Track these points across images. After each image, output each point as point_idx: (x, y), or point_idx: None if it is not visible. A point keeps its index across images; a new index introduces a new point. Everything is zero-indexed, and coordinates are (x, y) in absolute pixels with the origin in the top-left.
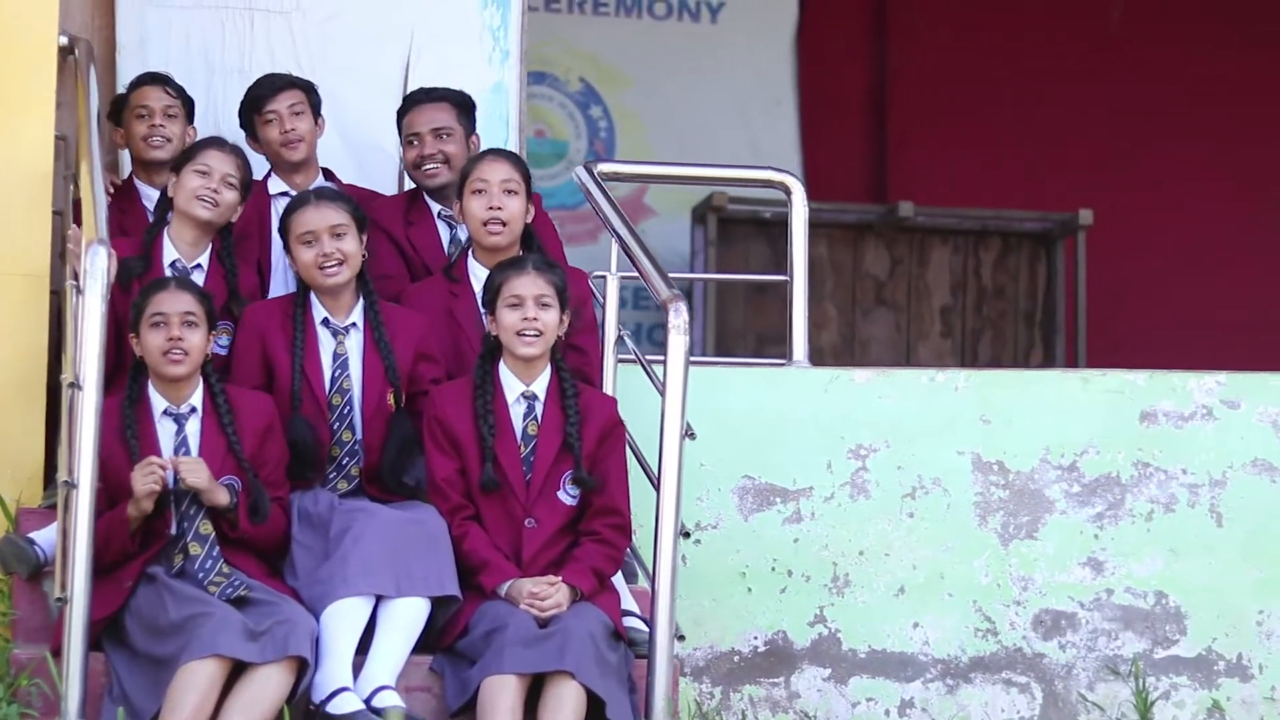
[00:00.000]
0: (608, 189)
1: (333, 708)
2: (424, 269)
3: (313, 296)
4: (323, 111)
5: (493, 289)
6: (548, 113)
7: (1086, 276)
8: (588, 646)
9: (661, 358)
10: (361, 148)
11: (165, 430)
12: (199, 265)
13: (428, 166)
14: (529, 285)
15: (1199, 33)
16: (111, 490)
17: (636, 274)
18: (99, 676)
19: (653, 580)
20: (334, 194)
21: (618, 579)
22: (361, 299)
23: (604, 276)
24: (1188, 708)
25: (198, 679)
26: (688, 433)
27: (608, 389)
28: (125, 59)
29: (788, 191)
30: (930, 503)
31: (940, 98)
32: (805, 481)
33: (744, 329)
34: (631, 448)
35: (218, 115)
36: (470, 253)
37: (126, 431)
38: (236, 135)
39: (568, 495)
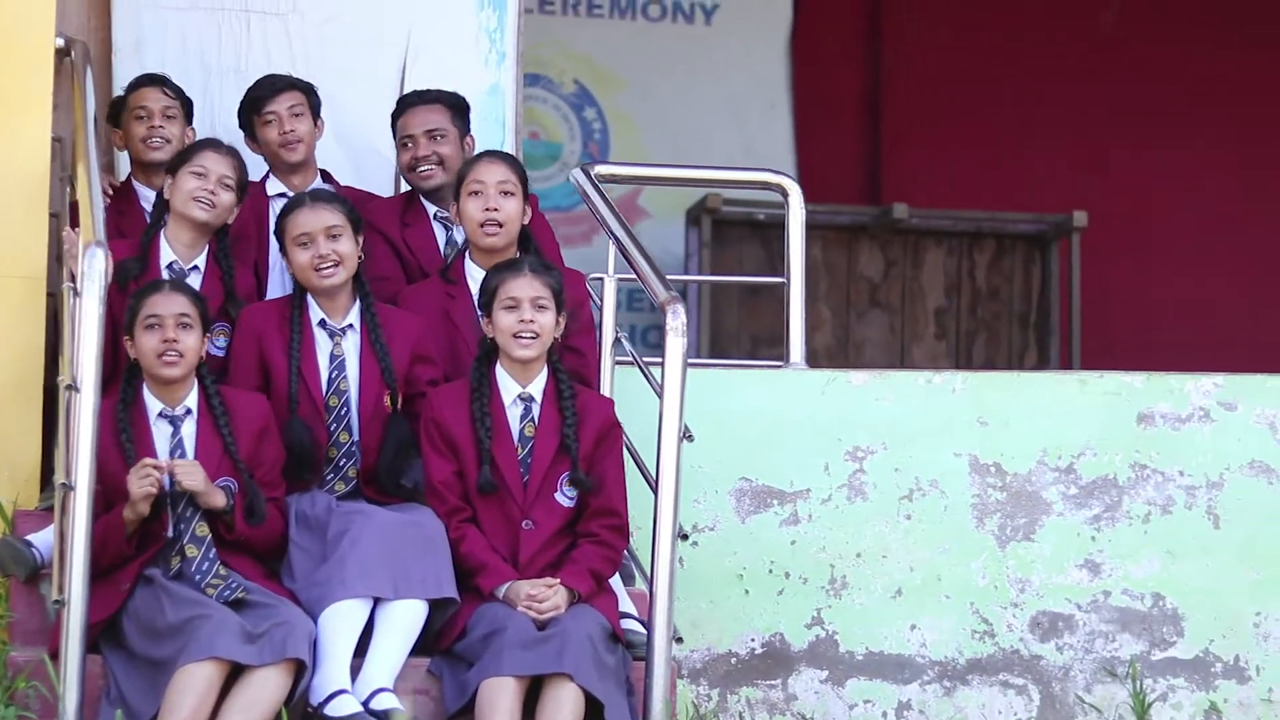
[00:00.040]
0: (604, 191)
1: (331, 710)
2: (420, 271)
3: (309, 298)
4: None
5: (489, 291)
6: (542, 115)
7: (1081, 278)
8: (586, 649)
9: (656, 359)
10: (358, 150)
11: (161, 432)
12: (196, 267)
13: (422, 168)
14: (525, 287)
15: (1194, 34)
16: (108, 493)
17: (633, 276)
18: (97, 679)
19: (651, 582)
20: (329, 196)
21: (615, 581)
22: (358, 301)
23: (601, 278)
24: (1185, 709)
25: (195, 681)
26: (685, 435)
27: (605, 391)
28: (121, 60)
29: (784, 194)
30: (927, 505)
31: (934, 99)
32: (802, 483)
33: (738, 331)
34: (629, 449)
35: (214, 117)
36: (467, 254)
37: (122, 434)
38: (232, 137)
39: (565, 497)
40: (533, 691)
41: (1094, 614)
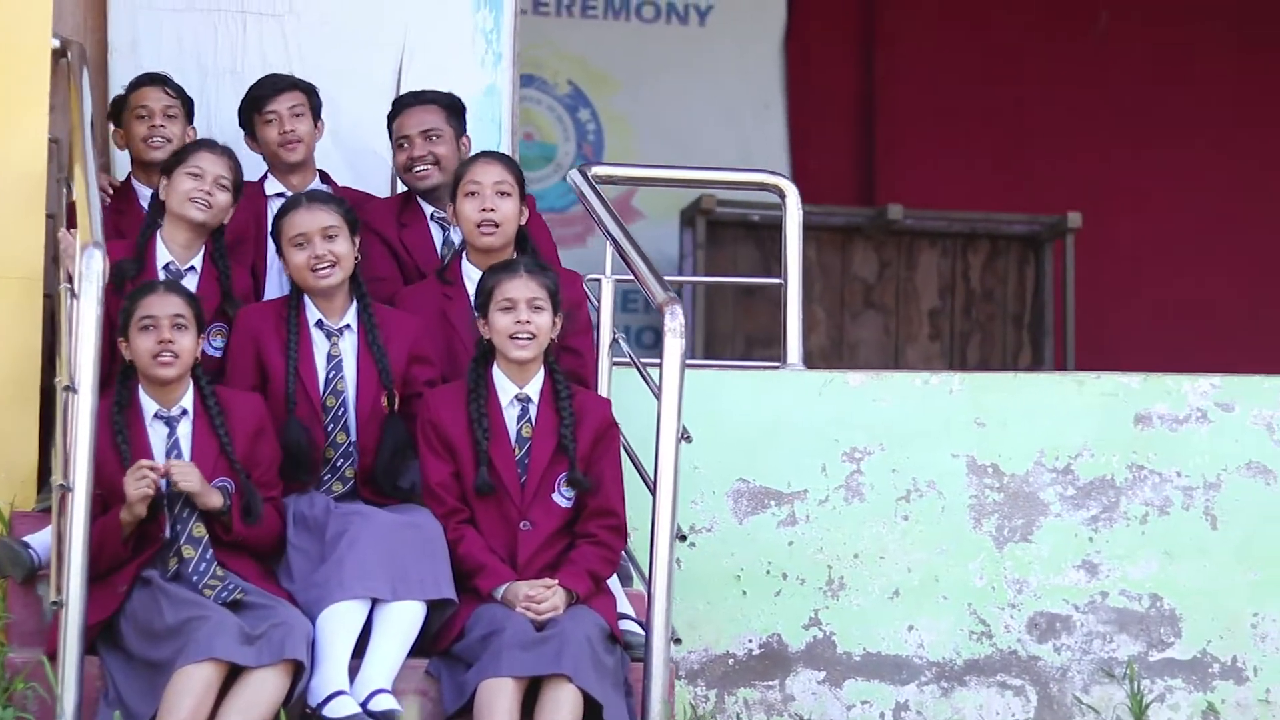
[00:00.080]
0: (601, 192)
1: (329, 711)
2: (417, 271)
3: (306, 299)
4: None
5: (485, 292)
6: (536, 116)
7: (1075, 279)
8: (585, 650)
9: (653, 360)
10: (354, 151)
11: (157, 434)
12: (192, 267)
13: (418, 168)
14: (521, 288)
15: (1189, 35)
16: (104, 495)
17: (629, 277)
18: (94, 680)
19: (649, 584)
20: (325, 196)
21: (613, 582)
22: (355, 301)
23: (599, 279)
24: (1182, 710)
25: (194, 683)
26: (684, 435)
27: (602, 392)
28: (117, 61)
29: (782, 195)
30: (925, 506)
31: (928, 100)
32: (800, 484)
33: (733, 331)
34: (627, 450)
35: (210, 118)
36: (464, 255)
37: (118, 436)
38: (228, 138)
39: (563, 497)
40: (531, 692)
41: (1091, 615)
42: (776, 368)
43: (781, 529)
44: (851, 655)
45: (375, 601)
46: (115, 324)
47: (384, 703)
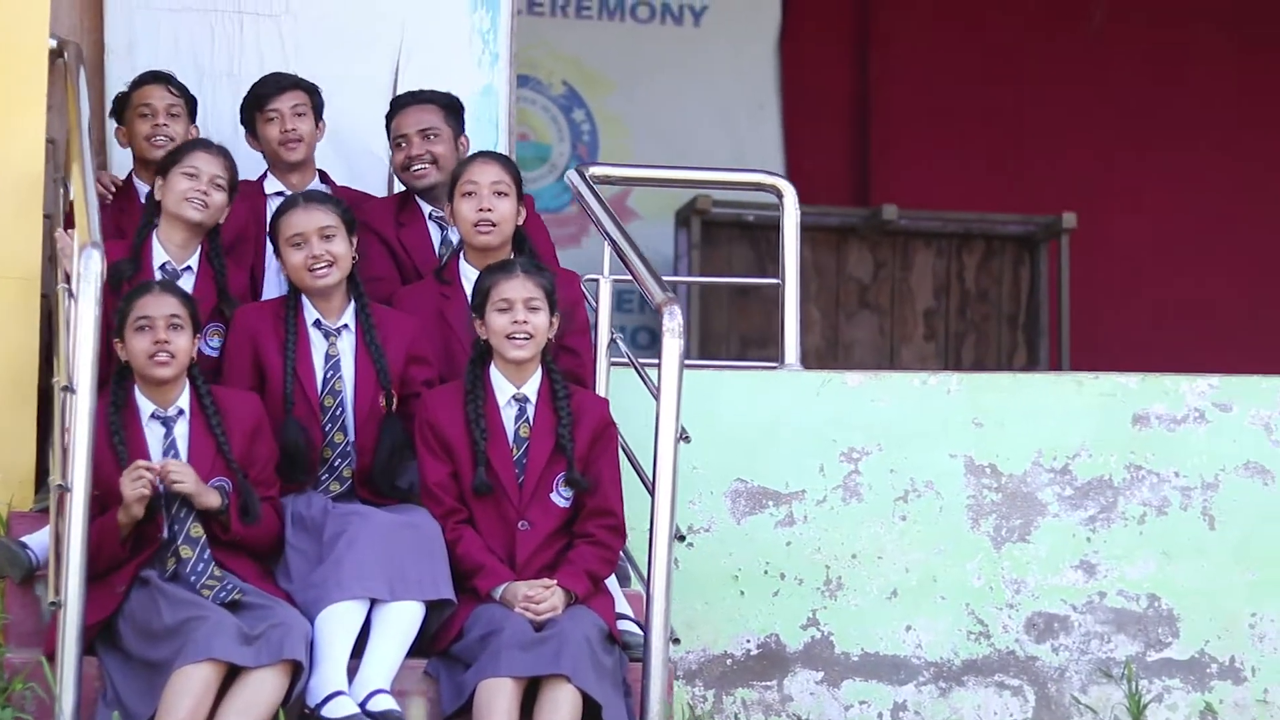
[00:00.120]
0: (599, 192)
1: (328, 711)
2: (415, 271)
3: (304, 298)
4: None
5: (481, 293)
6: (531, 116)
7: (1070, 280)
8: (584, 650)
9: (650, 360)
10: (351, 151)
11: (154, 434)
12: (189, 267)
13: (416, 167)
14: (517, 288)
15: (1184, 35)
16: (102, 496)
17: (626, 277)
18: (93, 681)
19: (648, 584)
20: (323, 196)
21: (612, 584)
22: (353, 301)
23: (596, 279)
24: (1180, 710)
25: (192, 683)
26: (682, 436)
27: (600, 392)
28: (113, 62)
29: (779, 195)
30: (923, 506)
31: (923, 101)
32: (797, 485)
33: (727, 332)
34: (624, 451)
35: (206, 118)
36: (461, 255)
37: (114, 437)
38: (224, 138)
39: (561, 497)
40: (530, 693)
41: (1089, 615)
42: (774, 368)
43: (779, 529)
44: (849, 655)
45: (374, 602)
46: (111, 325)
47: (383, 703)
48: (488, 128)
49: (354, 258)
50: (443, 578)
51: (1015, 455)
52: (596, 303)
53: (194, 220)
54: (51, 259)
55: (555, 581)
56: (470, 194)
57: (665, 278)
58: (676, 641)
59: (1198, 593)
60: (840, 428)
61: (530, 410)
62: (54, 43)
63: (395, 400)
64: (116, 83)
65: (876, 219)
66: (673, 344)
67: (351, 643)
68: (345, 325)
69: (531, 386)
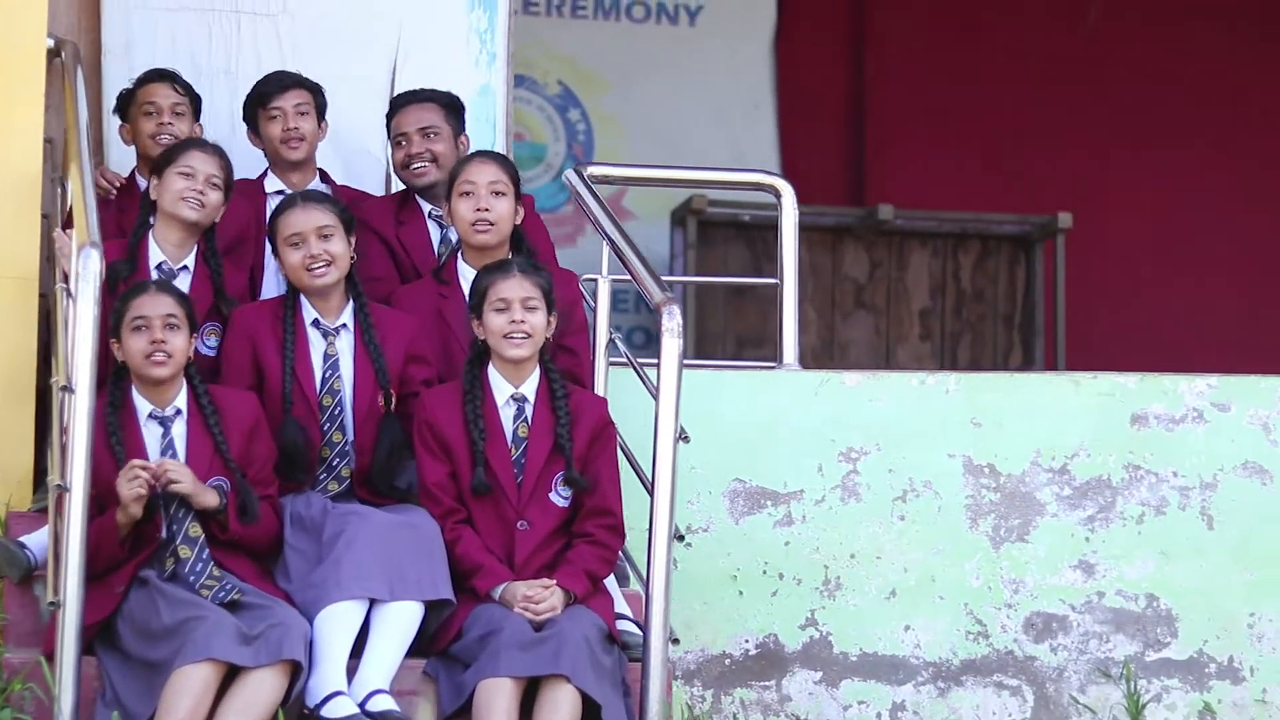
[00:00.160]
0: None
1: (327, 712)
2: (414, 270)
3: (302, 298)
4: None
5: (479, 293)
6: (526, 116)
7: (1065, 279)
8: (583, 650)
9: (649, 360)
10: (349, 151)
11: (151, 434)
12: (185, 267)
13: (415, 165)
14: (515, 288)
15: (1180, 35)
16: (100, 496)
17: (624, 276)
18: (92, 681)
19: (647, 584)
20: (321, 196)
21: (611, 584)
22: (351, 301)
23: (594, 279)
24: (1179, 710)
25: (191, 683)
26: (681, 436)
27: (598, 392)
28: (111, 62)
29: (778, 195)
30: (921, 506)
31: (919, 100)
32: (796, 484)
33: (724, 331)
34: (623, 451)
35: (203, 117)
36: (459, 254)
37: (112, 437)
38: (222, 138)
39: (559, 497)
40: (529, 693)
41: (1088, 615)
42: (772, 368)
43: (778, 529)
44: (848, 655)
45: (373, 602)
46: (108, 325)
47: (382, 703)
48: (485, 127)
49: (352, 257)
50: (442, 578)
51: (1014, 455)
52: (595, 302)
53: (190, 220)
54: (50, 259)
55: (554, 581)
56: (468, 193)
57: (665, 278)
58: (675, 641)
59: (1196, 593)
60: (839, 428)
61: (529, 410)
62: (51, 42)
63: (394, 400)
64: (114, 82)
65: (872, 219)
66: (672, 344)
67: (351, 643)
68: (344, 325)
69: (530, 386)
